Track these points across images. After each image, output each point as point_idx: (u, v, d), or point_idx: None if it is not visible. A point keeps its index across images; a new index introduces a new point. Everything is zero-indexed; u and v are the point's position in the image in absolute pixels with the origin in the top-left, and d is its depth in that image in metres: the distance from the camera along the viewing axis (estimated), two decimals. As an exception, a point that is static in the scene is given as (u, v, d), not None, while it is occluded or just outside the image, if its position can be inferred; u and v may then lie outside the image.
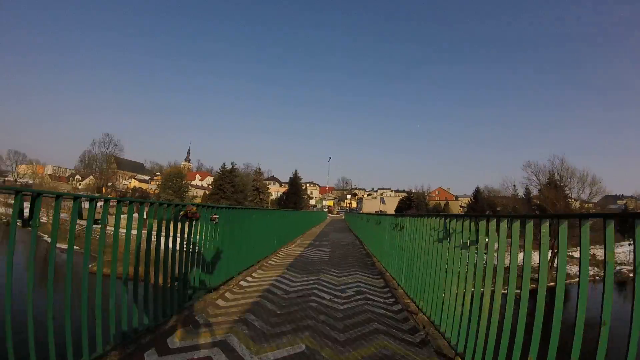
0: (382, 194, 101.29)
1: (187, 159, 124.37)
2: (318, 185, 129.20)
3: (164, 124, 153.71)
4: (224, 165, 53.18)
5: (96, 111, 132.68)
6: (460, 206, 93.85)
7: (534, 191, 45.73)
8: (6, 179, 75.27)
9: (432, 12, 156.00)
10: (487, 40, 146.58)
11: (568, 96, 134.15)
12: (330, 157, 57.73)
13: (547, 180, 42.48)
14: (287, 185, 62.43)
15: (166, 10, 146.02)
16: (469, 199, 64.88)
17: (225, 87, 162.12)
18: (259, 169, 58.81)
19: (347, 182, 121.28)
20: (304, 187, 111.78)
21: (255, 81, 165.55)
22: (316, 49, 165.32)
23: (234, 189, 51.39)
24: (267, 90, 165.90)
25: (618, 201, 74.70)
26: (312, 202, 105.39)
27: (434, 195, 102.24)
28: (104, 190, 70.96)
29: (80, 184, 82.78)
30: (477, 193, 59.10)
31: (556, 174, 41.37)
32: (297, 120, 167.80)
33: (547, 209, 36.75)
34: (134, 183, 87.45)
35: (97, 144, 73.31)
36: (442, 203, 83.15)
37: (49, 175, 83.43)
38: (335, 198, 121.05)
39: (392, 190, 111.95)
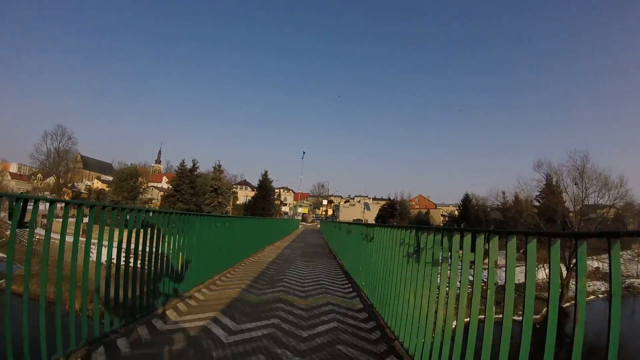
0: (360, 200, 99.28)
1: (158, 161, 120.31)
2: (292, 191, 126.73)
3: (136, 124, 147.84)
4: (183, 162, 49.00)
5: (66, 110, 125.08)
6: (442, 215, 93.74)
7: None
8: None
9: (408, 13, 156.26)
10: (464, 42, 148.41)
11: (557, 97, 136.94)
12: (304, 152, 58.42)
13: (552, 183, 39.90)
14: (257, 189, 57.24)
15: (143, 9, 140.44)
16: (458, 207, 63.70)
17: (201, 90, 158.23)
18: (219, 166, 49.69)
19: (322, 186, 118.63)
20: (277, 193, 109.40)
21: (231, 84, 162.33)
22: (290, 53, 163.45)
23: (194, 190, 47.94)
24: (243, 95, 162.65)
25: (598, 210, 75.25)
26: (286, 209, 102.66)
27: (413, 203, 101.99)
28: (64, 191, 66.14)
29: (41, 183, 79.49)
30: (467, 201, 57.41)
31: (577, 174, 35.35)
32: (272, 125, 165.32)
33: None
34: (96, 184, 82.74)
35: (50, 136, 67.77)
36: (423, 211, 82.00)
37: (9, 173, 79.28)
38: (310, 205, 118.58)
39: (369, 198, 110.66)
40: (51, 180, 73.36)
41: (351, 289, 6.68)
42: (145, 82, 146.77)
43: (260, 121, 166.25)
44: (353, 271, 7.88)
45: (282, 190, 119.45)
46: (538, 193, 41.52)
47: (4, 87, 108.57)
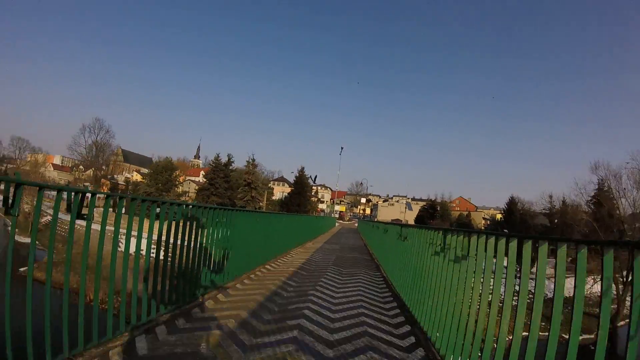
0: (398, 200, 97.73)
1: (197, 156, 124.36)
2: (330, 189, 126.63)
3: (177, 120, 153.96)
4: (218, 156, 49.72)
5: (107, 106, 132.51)
6: (484, 218, 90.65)
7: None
8: (8, 166, 74.54)
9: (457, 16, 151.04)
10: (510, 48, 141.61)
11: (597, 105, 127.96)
12: (342, 148, 53.49)
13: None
14: (293, 185, 56.90)
15: (179, 5, 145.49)
16: (501, 211, 60.87)
17: (243, 87, 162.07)
18: (253, 160, 48.10)
19: (361, 184, 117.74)
20: (314, 190, 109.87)
21: (274, 82, 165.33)
22: (332, 54, 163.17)
23: (228, 185, 48.56)
24: (284, 93, 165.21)
25: None
26: (323, 206, 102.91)
27: (454, 205, 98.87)
28: (102, 182, 69.83)
29: (82, 175, 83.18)
30: (512, 204, 54.23)
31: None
32: (311, 123, 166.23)
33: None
34: (135, 176, 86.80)
35: (87, 129, 71.13)
36: (464, 213, 79.43)
37: (51, 164, 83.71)
38: (347, 203, 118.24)
39: (408, 198, 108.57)
40: (91, 171, 76.62)
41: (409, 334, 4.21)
42: (188, 77, 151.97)
43: (300, 119, 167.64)
44: (403, 290, 5.98)
45: (319, 188, 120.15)
46: (589, 198, 38.51)
47: (46, 80, 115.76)
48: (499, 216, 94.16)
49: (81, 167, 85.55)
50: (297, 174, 55.05)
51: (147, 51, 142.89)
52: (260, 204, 47.25)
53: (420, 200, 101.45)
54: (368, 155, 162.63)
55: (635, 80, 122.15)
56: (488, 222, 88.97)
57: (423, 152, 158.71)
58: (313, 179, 55.47)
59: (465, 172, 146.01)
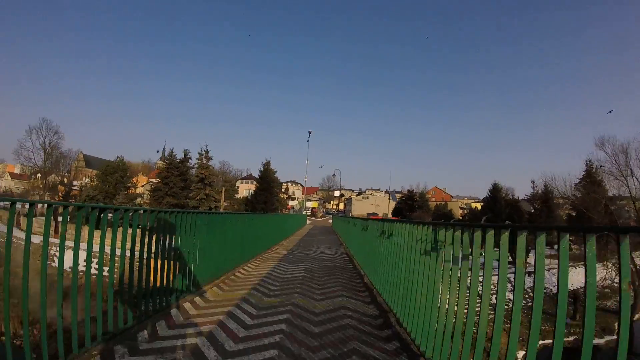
0: (372, 193, 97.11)
1: (162, 158, 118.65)
2: (301, 185, 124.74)
3: (142, 124, 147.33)
4: (172, 152, 46.50)
5: (69, 109, 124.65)
6: (461, 207, 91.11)
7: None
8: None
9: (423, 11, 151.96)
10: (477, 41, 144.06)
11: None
12: (310, 132, 46.79)
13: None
14: (258, 182, 53.66)
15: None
16: (480, 200, 60.72)
17: (207, 88, 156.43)
18: (206, 152, 43.24)
19: (333, 176, 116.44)
20: (284, 187, 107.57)
21: (237, 82, 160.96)
22: (302, 48, 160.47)
23: (185, 184, 45.34)
24: (252, 93, 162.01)
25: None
26: (293, 203, 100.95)
27: (429, 196, 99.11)
28: (59, 188, 65.72)
29: (41, 183, 77.84)
30: (495, 191, 53.09)
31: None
32: (279, 121, 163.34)
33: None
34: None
35: (35, 131, 65.93)
36: (441, 204, 79.54)
37: (9, 173, 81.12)
38: (320, 199, 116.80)
39: (381, 191, 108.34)
40: (52, 178, 71.74)
41: None
42: (150, 81, 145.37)
43: (268, 118, 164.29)
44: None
45: (289, 185, 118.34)
46: (578, 181, 37.79)
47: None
48: (475, 205, 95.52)
49: (39, 174, 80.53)
50: (262, 168, 52.24)
51: (112, 49, 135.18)
52: (217, 203, 43.32)
53: (395, 192, 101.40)
54: (338, 150, 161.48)
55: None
56: (465, 211, 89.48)
57: (394, 145, 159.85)
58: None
59: (438, 162, 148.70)
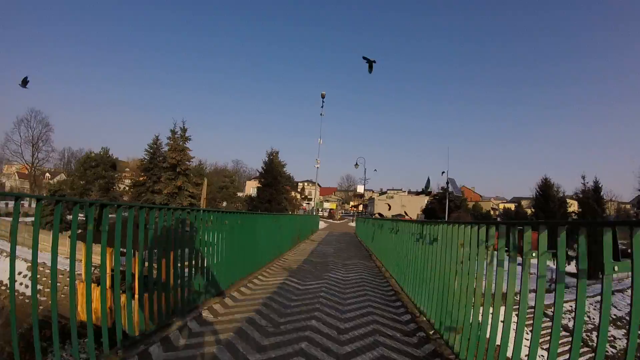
0: (397, 193, 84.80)
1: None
2: (318, 184, 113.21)
3: (144, 120, 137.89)
4: (157, 139, 35.25)
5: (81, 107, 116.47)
6: (492, 208, 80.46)
7: None
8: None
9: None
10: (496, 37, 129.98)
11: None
12: (323, 95, 31.51)
13: None
14: (262, 176, 42.30)
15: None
16: (533, 197, 48.60)
17: (221, 83, 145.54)
18: (183, 129, 31.94)
19: (356, 165, 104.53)
20: (300, 187, 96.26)
21: (256, 79, 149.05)
22: (321, 45, 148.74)
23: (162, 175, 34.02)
24: (265, 87, 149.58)
25: None
26: (308, 204, 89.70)
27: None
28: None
29: (49, 182, 72.84)
30: (546, 187, 42.53)
31: None
32: (296, 117, 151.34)
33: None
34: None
35: (24, 123, 58.25)
36: (477, 204, 67.51)
37: (17, 173, 77.12)
38: (338, 200, 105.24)
39: (404, 192, 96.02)
40: (62, 176, 65.24)
41: None
42: (154, 77, 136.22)
43: (281, 109, 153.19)
44: None
45: (306, 184, 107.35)
46: None
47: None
48: (504, 206, 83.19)
49: (47, 174, 75.14)
50: (267, 160, 40.75)
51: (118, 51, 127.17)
52: (193, 200, 31.33)
53: (416, 193, 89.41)
54: (355, 150, 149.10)
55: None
56: (496, 212, 78.34)
57: (414, 143, 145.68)
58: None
59: (462, 162, 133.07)
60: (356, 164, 32.65)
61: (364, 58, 19.20)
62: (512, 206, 78.48)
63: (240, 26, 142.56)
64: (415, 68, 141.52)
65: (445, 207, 54.21)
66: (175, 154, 30.03)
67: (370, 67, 19.43)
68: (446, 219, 44.99)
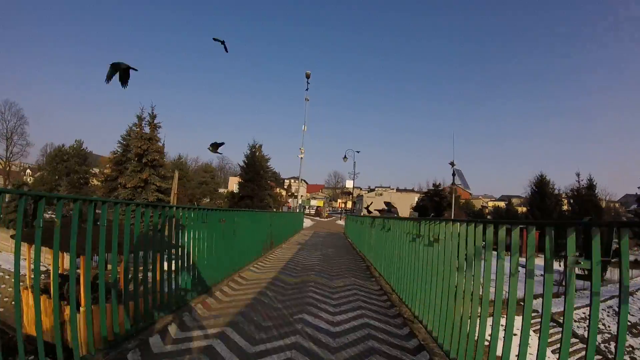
0: (385, 190, 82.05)
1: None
2: (305, 182, 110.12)
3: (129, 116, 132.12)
4: (132, 130, 30.28)
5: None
6: (482, 206, 79.05)
7: None
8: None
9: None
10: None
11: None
12: (308, 75, 26.44)
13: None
14: (243, 171, 38.21)
15: None
16: (529, 194, 46.42)
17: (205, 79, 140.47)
18: (152, 115, 27.66)
19: (345, 158, 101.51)
20: (286, 183, 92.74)
21: (256, 79, 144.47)
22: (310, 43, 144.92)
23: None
24: (256, 85, 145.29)
25: None
26: (294, 200, 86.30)
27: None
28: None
29: (30, 179, 67.59)
30: (542, 184, 40.86)
31: None
32: (282, 113, 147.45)
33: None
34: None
35: None
36: (468, 202, 65.49)
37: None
38: (325, 197, 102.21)
39: (392, 189, 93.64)
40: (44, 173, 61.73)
41: None
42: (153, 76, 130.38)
43: (264, 106, 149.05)
44: None
45: (292, 181, 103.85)
46: None
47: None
48: (493, 204, 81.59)
49: (28, 170, 72.27)
50: (249, 153, 37.25)
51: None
52: (161, 194, 26.94)
53: (406, 190, 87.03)
54: (342, 147, 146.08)
55: None
56: (486, 210, 76.57)
57: (402, 141, 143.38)
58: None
59: (448, 159, 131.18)
60: (345, 157, 29.51)
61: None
62: (502, 204, 76.96)
63: (240, 26, 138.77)
64: (410, 67, 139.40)
65: (438, 205, 51.82)
66: (141, 143, 25.94)
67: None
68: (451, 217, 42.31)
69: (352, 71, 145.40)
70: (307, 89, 23.52)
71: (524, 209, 70.15)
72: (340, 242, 14.50)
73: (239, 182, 37.40)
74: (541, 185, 42.56)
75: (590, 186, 38.04)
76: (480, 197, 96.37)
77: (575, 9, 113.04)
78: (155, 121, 27.18)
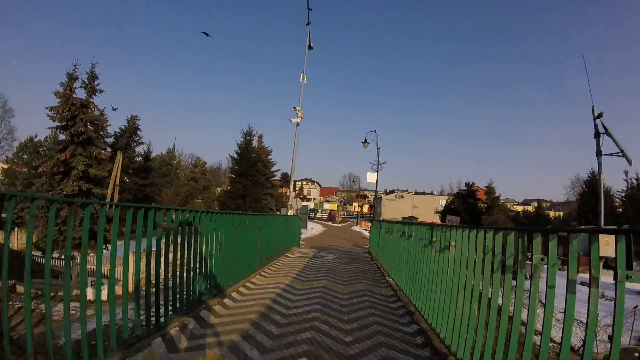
0: (403, 195, 72.73)
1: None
2: (318, 184, 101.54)
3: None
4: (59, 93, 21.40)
5: None
6: (511, 210, 69.50)
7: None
8: None
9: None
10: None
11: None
12: (309, 10, 15.35)
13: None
14: (234, 163, 30.00)
15: None
16: (579, 193, 38.00)
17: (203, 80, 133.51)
18: (91, 75, 18.75)
19: (352, 176, 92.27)
20: (298, 185, 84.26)
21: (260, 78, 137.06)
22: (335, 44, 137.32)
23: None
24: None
25: None
26: (310, 204, 77.95)
27: (473, 197, 74.55)
28: None
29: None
30: (594, 185, 31.11)
31: None
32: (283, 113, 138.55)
33: None
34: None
35: None
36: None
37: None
38: (340, 200, 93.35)
39: (409, 192, 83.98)
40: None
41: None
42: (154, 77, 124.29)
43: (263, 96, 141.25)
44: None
45: (304, 183, 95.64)
46: None
47: None
48: (520, 208, 72.58)
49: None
50: (242, 142, 28.93)
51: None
52: (88, 184, 17.89)
53: (424, 193, 77.52)
54: (356, 148, 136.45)
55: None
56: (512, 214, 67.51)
57: (418, 143, 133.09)
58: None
59: (468, 162, 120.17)
60: (365, 141, 20.85)
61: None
62: (529, 208, 68.15)
63: (239, 26, 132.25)
64: (415, 67, 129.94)
65: (473, 207, 42.68)
66: (66, 109, 16.98)
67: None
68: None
69: (365, 71, 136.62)
70: (308, 36, 14.95)
71: (558, 213, 61.05)
72: (371, 293, 5.71)
73: (229, 177, 29.36)
74: (594, 185, 33.53)
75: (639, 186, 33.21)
76: (502, 201, 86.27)
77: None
78: (96, 84, 18.57)
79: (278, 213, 27.25)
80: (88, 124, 17.38)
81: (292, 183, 15.34)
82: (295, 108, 13.31)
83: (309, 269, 7.49)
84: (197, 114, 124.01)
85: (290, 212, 14.76)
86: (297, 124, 13.55)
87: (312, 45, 15.91)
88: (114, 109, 24.19)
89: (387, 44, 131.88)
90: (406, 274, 5.32)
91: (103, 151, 21.24)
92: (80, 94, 18.16)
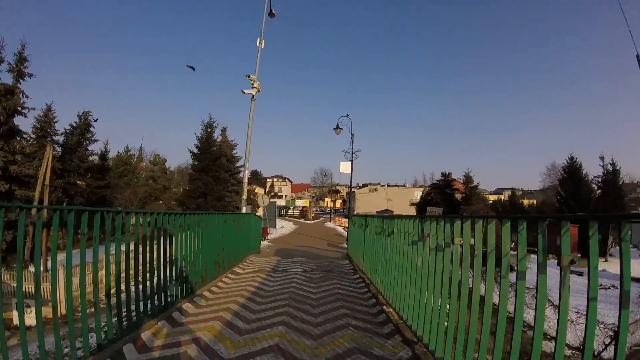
0: (378, 185, 70.82)
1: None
2: (289, 180, 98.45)
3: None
4: None
5: None
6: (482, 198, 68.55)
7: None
8: None
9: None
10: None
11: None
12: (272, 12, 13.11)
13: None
14: (194, 158, 26.54)
15: None
16: (559, 182, 37.29)
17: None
18: (20, 56, 15.85)
19: (324, 171, 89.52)
20: (268, 183, 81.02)
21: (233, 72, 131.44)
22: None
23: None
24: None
25: None
26: (281, 202, 74.81)
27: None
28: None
29: None
30: (573, 169, 33.31)
31: None
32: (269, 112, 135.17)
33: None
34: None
35: None
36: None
37: None
38: (312, 196, 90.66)
39: (381, 185, 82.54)
40: None
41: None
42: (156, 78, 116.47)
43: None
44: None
45: (275, 180, 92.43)
46: None
47: None
48: (493, 198, 72.61)
49: None
50: (202, 135, 25.85)
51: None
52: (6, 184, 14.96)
53: (397, 186, 76.09)
54: (325, 144, 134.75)
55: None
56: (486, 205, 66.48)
57: (389, 136, 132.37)
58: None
59: (440, 154, 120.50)
60: (337, 127, 18.23)
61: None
62: (501, 197, 67.75)
63: (239, 25, 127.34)
64: (382, 59, 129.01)
65: (450, 198, 41.09)
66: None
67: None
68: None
69: (342, 69, 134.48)
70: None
71: (531, 201, 60.90)
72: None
73: (189, 174, 25.96)
74: (573, 170, 32.57)
75: (615, 171, 32.56)
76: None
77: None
78: (24, 67, 15.53)
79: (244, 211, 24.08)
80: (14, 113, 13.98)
81: (247, 171, 12.45)
82: (249, 77, 10.48)
83: (258, 300, 4.61)
84: (164, 114, 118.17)
85: (244, 209, 11.96)
86: (253, 96, 10.73)
87: (273, 11, 13.12)
88: (94, 120, 25.10)
89: (355, 38, 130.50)
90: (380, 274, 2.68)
91: (28, 142, 17.81)
92: (6, 78, 14.93)
